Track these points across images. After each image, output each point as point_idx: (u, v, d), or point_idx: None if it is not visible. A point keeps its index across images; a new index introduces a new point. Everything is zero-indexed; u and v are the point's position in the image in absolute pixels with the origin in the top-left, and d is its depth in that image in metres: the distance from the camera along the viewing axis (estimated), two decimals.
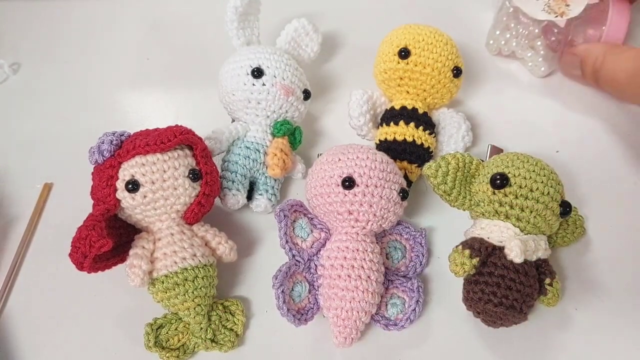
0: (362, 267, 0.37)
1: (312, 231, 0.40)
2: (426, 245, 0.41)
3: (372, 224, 0.38)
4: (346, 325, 0.37)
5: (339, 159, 0.39)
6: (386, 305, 0.39)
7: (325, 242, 0.39)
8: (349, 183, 0.37)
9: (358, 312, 0.36)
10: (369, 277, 0.37)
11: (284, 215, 0.39)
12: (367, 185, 0.37)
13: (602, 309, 0.39)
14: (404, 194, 0.39)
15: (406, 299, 0.38)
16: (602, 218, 0.43)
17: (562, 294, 0.38)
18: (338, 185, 0.38)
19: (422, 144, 0.44)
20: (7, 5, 0.63)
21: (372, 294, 0.37)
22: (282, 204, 0.39)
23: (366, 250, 0.37)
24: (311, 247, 0.39)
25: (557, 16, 0.43)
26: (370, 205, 0.37)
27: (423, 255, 0.40)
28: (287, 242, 0.39)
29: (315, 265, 0.39)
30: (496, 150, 0.44)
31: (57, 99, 0.55)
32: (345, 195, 0.37)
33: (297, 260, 0.39)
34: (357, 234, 0.38)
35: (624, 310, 0.39)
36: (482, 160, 0.40)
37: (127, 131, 0.39)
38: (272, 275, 0.37)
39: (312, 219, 0.40)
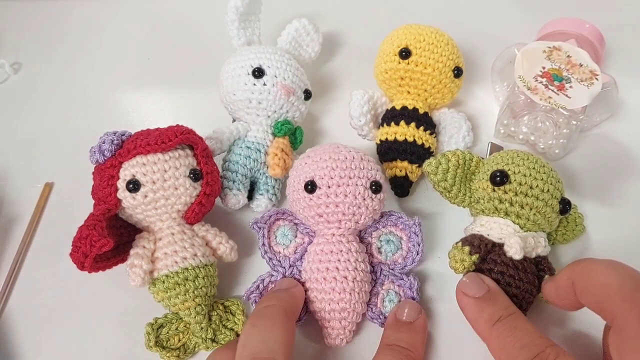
0: (337, 268, 0.37)
1: (295, 236, 0.40)
2: (421, 234, 0.40)
3: (346, 223, 0.38)
4: (333, 326, 0.37)
5: (305, 163, 0.39)
6: (383, 301, 0.38)
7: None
8: (311, 187, 0.37)
9: (339, 313, 0.36)
10: (345, 277, 0.37)
11: (259, 228, 0.39)
12: (328, 186, 0.37)
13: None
14: (376, 187, 0.38)
15: (402, 296, 0.38)
16: (601, 217, 0.43)
17: None
18: (303, 190, 0.37)
19: (422, 144, 0.44)
20: (8, 5, 0.63)
21: (350, 294, 0.36)
22: (257, 217, 0.39)
23: (340, 251, 0.37)
24: (295, 252, 0.40)
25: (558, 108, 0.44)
26: (337, 205, 0.37)
27: (419, 245, 0.39)
28: (265, 252, 0.39)
29: (299, 270, 0.39)
30: (496, 148, 0.44)
31: (58, 98, 0.55)
32: (311, 199, 0.37)
33: (275, 271, 0.39)
34: (333, 234, 0.38)
35: None
36: (482, 158, 0.40)
37: (128, 131, 0.39)
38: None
39: (297, 224, 0.40)
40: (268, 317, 0.33)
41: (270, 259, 0.39)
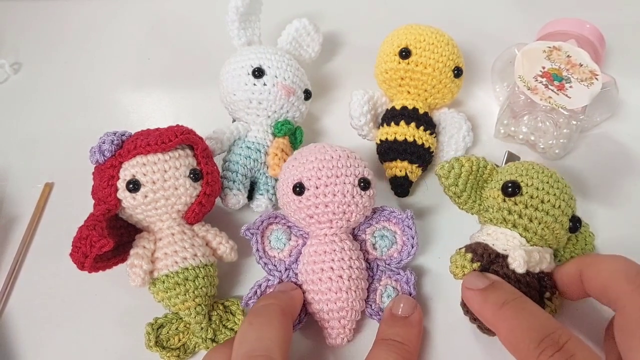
0: (332, 268, 0.37)
1: (289, 239, 0.40)
2: (415, 227, 0.39)
3: (337, 222, 0.38)
4: (332, 326, 0.37)
5: (292, 165, 0.38)
6: (381, 297, 0.38)
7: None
8: (299, 189, 0.37)
9: (338, 312, 0.36)
10: (340, 276, 0.37)
11: (252, 234, 0.39)
12: (316, 187, 0.37)
13: (598, 312, 0.39)
14: (364, 184, 0.38)
15: (400, 291, 0.38)
16: (602, 217, 0.43)
17: (561, 309, 0.37)
18: (292, 193, 0.37)
19: (422, 144, 0.44)
20: (8, 5, 0.63)
21: (346, 292, 0.36)
22: (249, 223, 0.39)
23: (334, 251, 0.37)
24: (289, 255, 0.40)
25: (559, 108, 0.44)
26: (326, 205, 0.37)
27: (413, 238, 0.39)
28: (260, 257, 0.39)
29: (295, 273, 0.39)
30: (513, 157, 0.44)
31: (58, 98, 0.55)
32: (300, 201, 0.37)
33: (272, 275, 0.39)
34: (326, 235, 0.38)
35: None
36: (497, 166, 0.39)
37: (128, 131, 0.39)
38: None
39: (290, 227, 0.40)
40: (265, 314, 0.33)
41: (265, 264, 0.39)
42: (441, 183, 0.38)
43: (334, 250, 0.37)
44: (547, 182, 0.36)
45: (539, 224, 0.35)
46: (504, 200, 0.36)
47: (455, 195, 0.37)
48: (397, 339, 0.34)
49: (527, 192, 0.35)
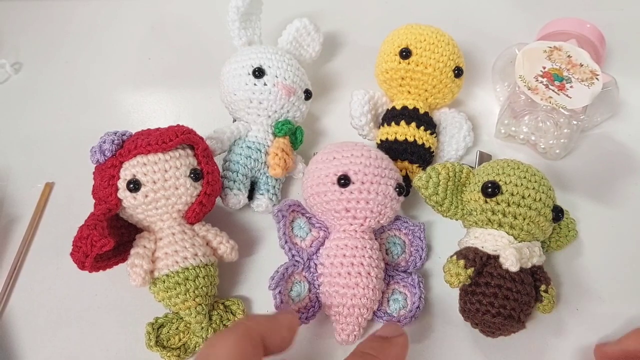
0: (362, 264, 0.37)
1: (310, 230, 0.40)
2: (425, 240, 0.40)
3: (370, 221, 0.38)
4: (348, 322, 0.37)
5: (334, 157, 0.39)
6: (388, 301, 0.39)
7: (324, 241, 0.40)
8: (344, 181, 0.37)
9: (359, 308, 0.36)
10: (368, 273, 0.37)
11: (282, 216, 0.39)
12: (362, 182, 0.37)
13: (599, 312, 0.39)
14: (400, 189, 0.39)
15: (408, 294, 0.38)
16: (602, 216, 0.43)
17: (558, 299, 0.37)
18: (334, 184, 0.38)
19: (423, 144, 0.44)
20: (8, 5, 0.63)
21: (372, 290, 0.37)
22: (280, 205, 0.39)
23: (365, 247, 0.37)
24: (310, 246, 0.40)
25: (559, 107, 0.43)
26: (367, 202, 0.37)
27: (423, 250, 0.40)
28: (286, 242, 0.39)
29: (315, 264, 0.39)
30: (485, 157, 0.44)
31: (58, 98, 0.55)
32: (342, 193, 0.37)
33: (296, 260, 0.39)
34: (355, 231, 0.38)
35: (622, 313, 0.39)
36: (472, 167, 0.39)
37: (128, 131, 0.39)
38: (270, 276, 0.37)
39: (310, 218, 0.40)
40: (225, 332, 0.29)
41: (289, 249, 0.39)
42: (421, 194, 0.38)
43: (365, 247, 0.38)
44: (525, 177, 0.36)
45: (524, 219, 0.35)
46: (486, 202, 0.36)
47: (437, 204, 0.38)
48: (371, 352, 0.31)
49: (507, 190, 0.36)
